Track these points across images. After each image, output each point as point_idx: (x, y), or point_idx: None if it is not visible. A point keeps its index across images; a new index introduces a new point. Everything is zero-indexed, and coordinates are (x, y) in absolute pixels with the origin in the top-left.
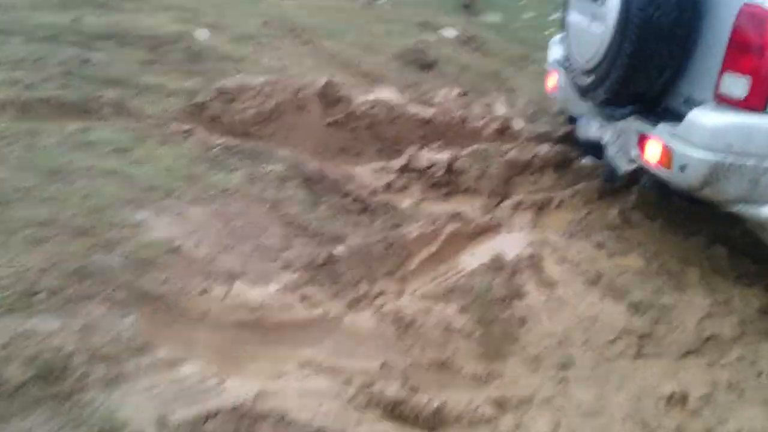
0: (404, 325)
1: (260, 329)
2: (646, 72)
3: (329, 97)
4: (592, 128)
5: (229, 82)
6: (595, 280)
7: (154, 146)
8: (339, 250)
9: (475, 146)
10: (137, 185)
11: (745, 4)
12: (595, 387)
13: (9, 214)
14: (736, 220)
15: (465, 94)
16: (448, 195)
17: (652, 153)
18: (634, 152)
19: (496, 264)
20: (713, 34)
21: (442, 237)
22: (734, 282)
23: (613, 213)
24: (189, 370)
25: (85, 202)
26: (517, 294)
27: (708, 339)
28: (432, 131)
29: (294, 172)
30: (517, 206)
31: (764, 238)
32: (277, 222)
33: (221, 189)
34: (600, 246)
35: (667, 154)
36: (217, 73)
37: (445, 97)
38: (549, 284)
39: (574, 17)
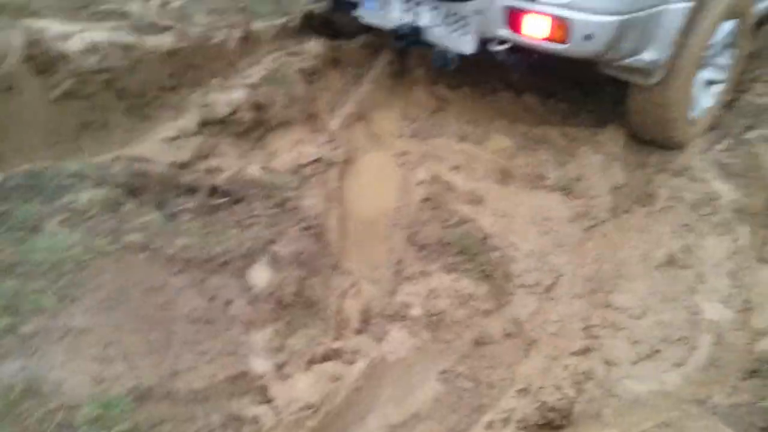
0: None
1: None
2: None
3: (39, 62)
4: (393, 12)
5: None
6: (503, 179)
7: None
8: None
9: (254, 68)
10: None
11: None
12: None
13: None
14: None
15: (167, 2)
16: (262, 139)
17: (536, 28)
18: (503, 31)
19: (430, 203)
20: None
21: (333, 187)
22: (581, 126)
23: (422, 96)
24: None
25: None
26: (484, 233)
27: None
28: (181, 65)
29: (112, 189)
30: (346, 123)
31: (633, 79)
32: (175, 269)
33: (66, 267)
34: (462, 138)
35: (561, 27)
36: None
37: (149, 14)
38: (477, 201)
39: None
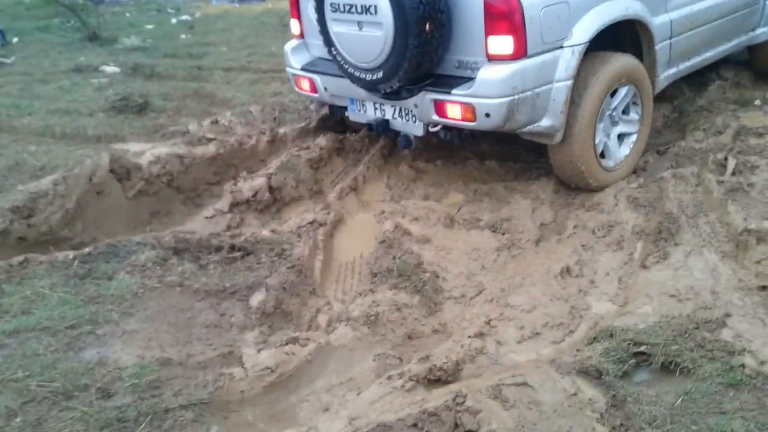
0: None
1: None
2: (429, 56)
3: (120, 171)
4: (368, 111)
5: (16, 196)
6: (449, 224)
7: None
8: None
9: (275, 161)
10: None
11: None
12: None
13: None
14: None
15: (216, 122)
16: (279, 212)
17: (453, 112)
18: (434, 117)
19: (385, 244)
20: (469, 12)
21: (320, 243)
22: (522, 180)
23: (405, 170)
24: None
25: None
26: (419, 261)
27: (542, 225)
28: (222, 165)
29: (162, 251)
30: (340, 194)
31: (542, 141)
32: (198, 297)
33: (127, 298)
34: (426, 197)
35: (469, 110)
36: None
37: (201, 131)
38: (425, 241)
39: (338, 28)
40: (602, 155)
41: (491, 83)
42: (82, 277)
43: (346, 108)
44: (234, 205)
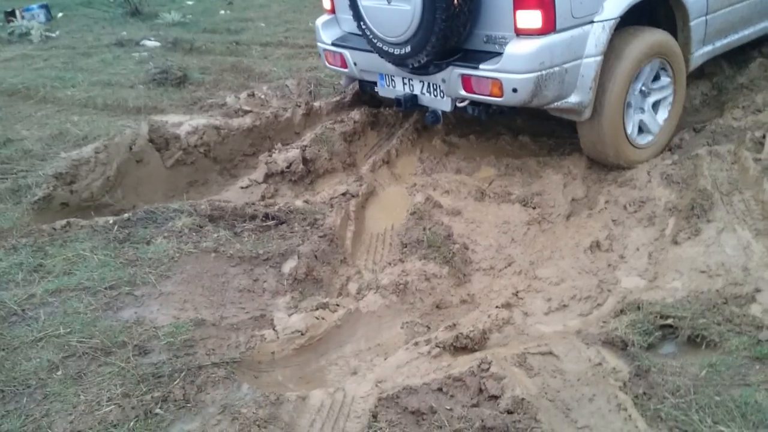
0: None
1: None
2: (457, 30)
3: (159, 141)
4: (397, 87)
5: (59, 163)
6: (480, 197)
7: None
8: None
9: (309, 134)
10: None
11: None
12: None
13: None
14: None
15: (253, 95)
16: (312, 183)
17: (480, 87)
18: (462, 92)
19: (416, 215)
20: None
21: (352, 213)
22: (555, 155)
23: (437, 144)
24: None
25: None
26: (449, 233)
27: (573, 200)
28: (258, 137)
29: (199, 218)
30: (373, 167)
31: (570, 117)
32: (233, 263)
33: (164, 261)
34: (458, 171)
35: (497, 85)
36: (9, 166)
37: (238, 103)
38: (456, 213)
39: (367, 2)
40: (640, 130)
41: (519, 58)
42: (121, 241)
43: (375, 83)
44: (269, 176)
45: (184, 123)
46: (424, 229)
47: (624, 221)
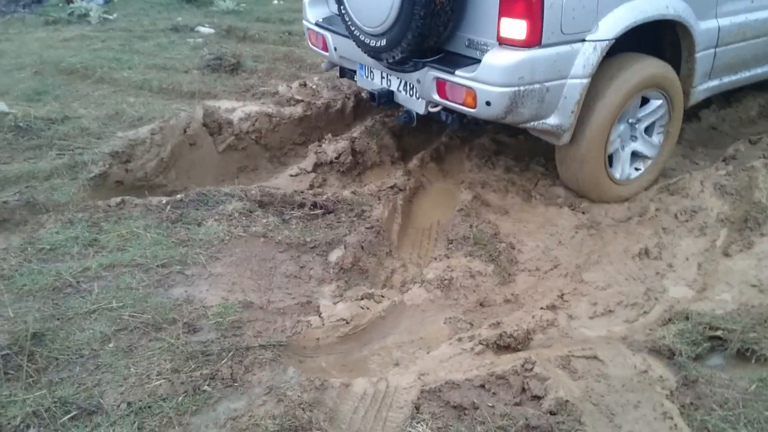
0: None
1: None
2: (436, 29)
3: (212, 125)
4: (375, 79)
5: (116, 143)
6: (528, 198)
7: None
8: (344, 251)
9: (359, 126)
10: None
11: None
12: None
13: None
14: None
15: (304, 84)
16: (360, 175)
17: (454, 95)
18: (435, 96)
19: (463, 212)
20: None
21: (399, 207)
22: None
23: (486, 142)
24: None
25: None
26: (496, 231)
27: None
28: (308, 126)
29: (249, 203)
30: (421, 162)
31: (548, 139)
32: (280, 249)
33: (214, 243)
34: (506, 170)
35: (471, 95)
36: (66, 142)
37: (290, 92)
38: (503, 212)
39: None
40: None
41: (496, 69)
42: (173, 221)
43: (355, 72)
44: (318, 165)
45: (236, 109)
46: (471, 226)
47: (674, 230)
